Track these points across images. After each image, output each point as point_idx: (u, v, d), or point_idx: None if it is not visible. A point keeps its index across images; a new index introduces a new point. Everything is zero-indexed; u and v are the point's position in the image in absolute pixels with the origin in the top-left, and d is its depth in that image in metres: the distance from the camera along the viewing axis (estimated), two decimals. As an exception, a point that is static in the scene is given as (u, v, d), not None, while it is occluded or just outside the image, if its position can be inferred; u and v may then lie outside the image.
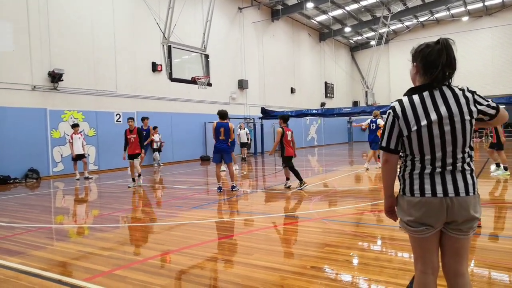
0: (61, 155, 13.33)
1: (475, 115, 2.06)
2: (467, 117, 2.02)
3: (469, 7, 29.04)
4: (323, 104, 31.02)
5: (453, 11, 30.08)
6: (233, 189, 8.88)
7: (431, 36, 34.43)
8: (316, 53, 31.06)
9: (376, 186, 9.27)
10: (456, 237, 2.10)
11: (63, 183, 11.72)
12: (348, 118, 34.72)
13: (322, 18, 28.62)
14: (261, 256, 4.27)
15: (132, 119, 10.25)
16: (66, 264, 4.22)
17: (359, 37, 34.69)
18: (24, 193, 10.00)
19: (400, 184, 2.21)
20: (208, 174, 13.48)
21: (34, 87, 12.56)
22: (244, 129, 17.79)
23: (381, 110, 14.28)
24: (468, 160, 2.08)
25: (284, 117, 9.35)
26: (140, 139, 10.08)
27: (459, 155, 2.05)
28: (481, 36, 30.09)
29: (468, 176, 2.06)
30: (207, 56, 13.79)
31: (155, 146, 16.17)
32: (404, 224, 2.18)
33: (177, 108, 17.91)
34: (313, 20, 28.72)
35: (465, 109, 2.03)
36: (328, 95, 32.48)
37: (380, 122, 12.41)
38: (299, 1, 24.10)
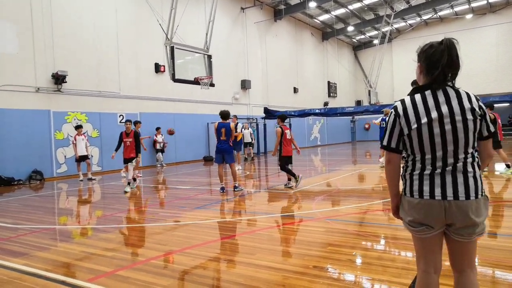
0: (65, 156, 13.39)
1: (478, 116, 2.02)
2: (469, 117, 2.00)
3: (473, 4, 28.88)
4: (326, 104, 30.96)
5: (456, 9, 29.93)
6: (236, 189, 8.88)
7: (434, 34, 34.28)
8: (319, 52, 31.01)
9: (380, 186, 9.24)
10: (458, 241, 2.09)
11: (66, 184, 11.78)
12: (351, 117, 34.67)
13: (325, 17, 28.56)
14: (263, 256, 4.26)
15: (130, 121, 9.99)
16: (69, 265, 4.24)
17: (362, 36, 34.60)
18: (27, 194, 10.05)
19: (403, 184, 2.22)
20: (211, 175, 13.49)
21: (38, 89, 12.63)
22: (248, 129, 17.79)
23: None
24: (470, 161, 2.02)
25: (282, 116, 9.39)
26: (136, 143, 9.75)
27: (461, 155, 2.01)
28: (485, 34, 29.91)
29: (471, 179, 2.01)
30: (209, 57, 13.81)
31: (158, 146, 16.21)
32: (406, 224, 2.20)
33: (180, 108, 17.94)
34: (316, 20, 28.67)
35: (467, 109, 2.01)
36: (331, 94, 32.42)
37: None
38: (301, 0, 24.07)
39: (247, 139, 17.54)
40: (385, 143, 2.21)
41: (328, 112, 22.15)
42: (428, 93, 2.08)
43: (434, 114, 2.03)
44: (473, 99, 2.05)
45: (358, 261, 4.03)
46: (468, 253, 2.11)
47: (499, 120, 9.91)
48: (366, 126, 35.66)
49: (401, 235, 4.87)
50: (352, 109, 22.50)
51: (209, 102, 19.37)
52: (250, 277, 3.63)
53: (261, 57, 24.02)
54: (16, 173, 12.04)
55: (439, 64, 2.03)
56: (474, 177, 2.02)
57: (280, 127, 9.10)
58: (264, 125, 22.43)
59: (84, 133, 12.95)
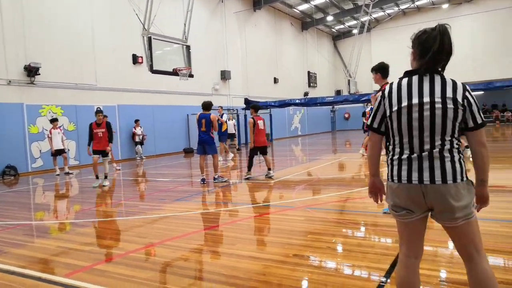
0: (40, 150, 13.04)
1: (460, 106, 2.01)
2: (449, 106, 2.00)
3: (449, -6, 29.36)
4: (306, 94, 31.08)
5: (433, -1, 30.38)
6: (215, 181, 8.85)
7: (412, 24, 34.72)
8: (298, 42, 31.01)
9: (360, 174, 9.36)
10: (448, 226, 2.09)
11: (42, 179, 11.48)
12: (331, 107, 34.95)
13: (304, 7, 28.52)
14: (244, 246, 4.26)
15: (101, 112, 9.43)
16: (46, 260, 4.13)
17: (341, 26, 34.75)
18: (1, 190, 9.75)
19: (387, 170, 2.25)
20: (192, 167, 13.40)
21: (10, 81, 12.19)
22: (232, 120, 17.67)
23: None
24: (448, 147, 2.03)
25: (254, 107, 9.39)
26: (109, 132, 9.23)
27: (437, 142, 2.03)
28: (461, 23, 30.45)
29: (448, 163, 2.01)
30: (188, 47, 13.59)
31: (137, 139, 15.96)
32: (389, 209, 2.24)
33: (159, 100, 17.67)
34: (295, 9, 28.60)
35: (449, 97, 2.01)
36: (311, 84, 32.55)
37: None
38: (280, -10, 23.94)
39: (231, 130, 17.43)
40: (369, 122, 2.28)
41: (308, 102, 22.22)
42: (415, 78, 2.10)
43: (415, 100, 2.05)
44: (459, 89, 2.04)
45: (338, 248, 4.07)
46: (464, 238, 2.07)
47: None
48: (346, 115, 36.04)
49: (380, 221, 4.95)
50: (332, 98, 22.59)
51: (189, 93, 19.14)
52: (231, 267, 3.62)
53: (241, 48, 23.84)
54: (-11, 169, 11.66)
55: (430, 49, 2.05)
56: (452, 161, 2.02)
57: (252, 117, 9.12)
58: (245, 116, 22.34)
59: (60, 126, 12.61)
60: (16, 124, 12.39)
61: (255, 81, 25.04)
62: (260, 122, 9.12)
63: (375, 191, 2.38)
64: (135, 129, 15.84)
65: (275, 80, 27.42)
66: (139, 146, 16.06)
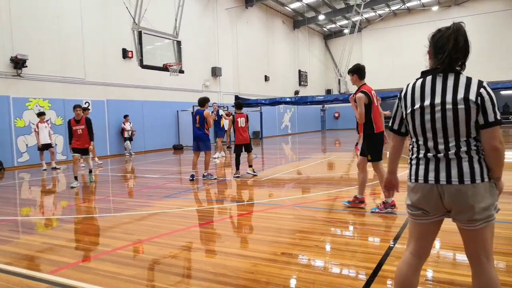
0: (26, 145, 12.82)
1: (473, 104, 1.94)
2: (460, 106, 1.96)
3: (439, -4, 29.65)
4: (297, 92, 31.14)
5: (423, 0, 30.63)
6: (204, 178, 8.83)
7: (402, 25, 34.92)
8: (290, 41, 31.02)
9: (348, 173, 9.41)
10: (465, 229, 2.05)
11: (29, 174, 11.30)
12: (321, 106, 35.07)
13: (296, 5, 28.51)
14: (232, 244, 4.25)
15: (79, 106, 8.79)
16: (31, 257, 4.06)
17: (333, 25, 34.85)
18: (-13, 184, 9.58)
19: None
20: (181, 163, 13.34)
21: (-4, 73, 11.97)
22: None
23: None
24: (464, 149, 1.98)
25: (237, 104, 9.48)
26: (89, 129, 8.70)
27: (451, 143, 2.00)
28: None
29: (465, 164, 1.96)
30: (179, 43, 13.50)
31: (126, 135, 15.81)
32: (406, 208, 2.24)
33: (148, 96, 17.51)
34: (287, 7, 28.58)
35: (460, 98, 1.96)
36: (302, 83, 32.61)
37: None
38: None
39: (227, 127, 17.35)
40: (390, 124, 2.32)
41: (298, 101, 22.29)
42: (428, 78, 2.09)
43: (427, 101, 2.05)
44: (472, 87, 1.97)
45: (326, 247, 4.09)
46: (479, 242, 2.02)
47: None
48: (336, 115, 36.22)
49: (369, 221, 4.99)
50: (322, 97, 22.74)
51: (179, 89, 19.02)
52: (218, 265, 3.61)
53: (232, 44, 23.75)
54: (-26, 163, 11.43)
55: (445, 48, 2.03)
56: (470, 161, 1.97)
57: (232, 115, 9.20)
58: (235, 113, 22.26)
59: (47, 120, 12.42)
60: (2, 118, 12.16)
61: (246, 78, 24.98)
62: (240, 120, 9.13)
63: (390, 187, 2.44)
64: (124, 124, 15.68)
65: (266, 78, 27.40)
66: (128, 142, 15.90)
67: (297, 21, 31.23)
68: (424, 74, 2.15)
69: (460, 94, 1.97)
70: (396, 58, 32.74)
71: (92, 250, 4.26)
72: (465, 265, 3.44)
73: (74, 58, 14.24)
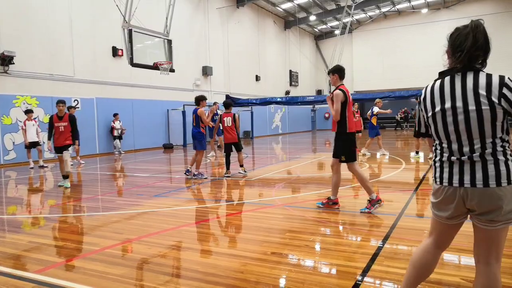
0: (13, 142, 12.63)
1: (497, 105, 1.88)
2: (484, 107, 1.90)
3: (428, -1, 29.97)
4: (287, 92, 31.21)
5: (413, 3, 30.93)
6: (195, 177, 8.83)
7: (393, 27, 35.17)
8: (281, 41, 31.07)
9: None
10: (482, 228, 2.03)
11: (15, 172, 11.13)
12: (312, 106, 35.20)
13: (287, 5, 28.58)
14: (222, 243, 4.24)
15: (63, 102, 8.28)
16: (17, 256, 4.00)
17: (324, 26, 35.00)
18: (-28, 182, 9.41)
19: None
20: (171, 162, 13.27)
21: (-18, 70, 11.76)
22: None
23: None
24: (490, 150, 1.93)
25: (225, 104, 9.52)
26: (72, 127, 8.25)
27: (477, 145, 1.95)
28: (439, 29, 31.16)
29: (491, 167, 1.92)
30: (170, 42, 13.43)
31: (115, 133, 15.68)
32: (431, 205, 2.25)
33: (139, 94, 17.38)
34: (278, 8, 28.62)
35: (483, 98, 1.90)
36: (293, 83, 32.70)
37: (376, 109, 12.61)
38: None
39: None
40: (416, 129, 2.36)
41: (289, 101, 22.30)
42: (447, 79, 2.05)
43: (448, 104, 2.01)
44: (494, 85, 1.90)
45: (316, 246, 4.10)
46: (493, 243, 2.01)
47: None
48: (326, 115, 36.37)
49: (358, 221, 5.02)
50: (313, 98, 22.79)
51: (169, 88, 18.91)
52: (208, 264, 3.60)
53: (223, 44, 23.70)
54: (-41, 160, 11.22)
55: (463, 47, 1.98)
56: (496, 164, 1.92)
57: (220, 114, 9.30)
58: (223, 112, 22.21)
59: (34, 118, 12.25)
60: (-12, 115, 11.96)
61: (237, 78, 24.95)
62: (226, 119, 9.12)
63: None
64: (114, 123, 15.55)
65: (257, 78, 27.41)
66: (117, 141, 15.78)
67: (288, 21, 31.31)
68: (441, 74, 2.11)
69: (483, 93, 1.91)
70: (386, 59, 33.03)
71: (80, 249, 4.21)
72: (452, 264, 3.48)
73: (63, 56, 14.07)
